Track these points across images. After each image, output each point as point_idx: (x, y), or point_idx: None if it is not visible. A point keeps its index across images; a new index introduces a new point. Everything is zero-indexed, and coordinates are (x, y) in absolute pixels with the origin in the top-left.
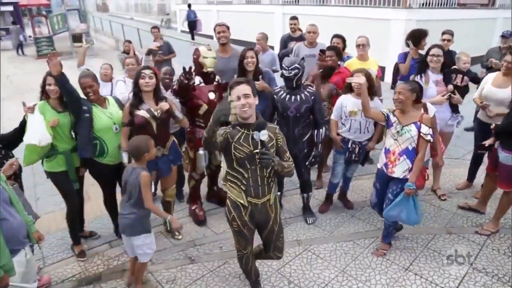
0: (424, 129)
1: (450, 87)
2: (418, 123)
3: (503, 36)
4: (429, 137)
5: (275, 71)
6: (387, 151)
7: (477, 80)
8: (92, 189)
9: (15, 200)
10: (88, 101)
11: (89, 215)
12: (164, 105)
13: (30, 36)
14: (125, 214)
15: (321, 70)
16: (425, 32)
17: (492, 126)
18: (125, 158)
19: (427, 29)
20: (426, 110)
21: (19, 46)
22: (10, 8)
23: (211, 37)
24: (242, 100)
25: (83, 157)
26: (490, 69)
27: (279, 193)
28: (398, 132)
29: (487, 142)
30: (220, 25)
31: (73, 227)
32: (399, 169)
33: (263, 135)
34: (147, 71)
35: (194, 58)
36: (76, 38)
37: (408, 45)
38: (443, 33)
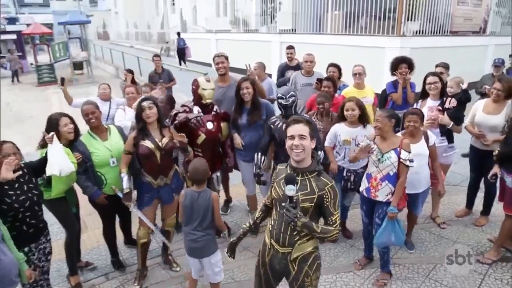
0: (404, 154)
1: (433, 113)
2: (398, 149)
3: (495, 66)
4: (408, 163)
5: (272, 100)
6: (369, 176)
7: (465, 99)
8: (89, 219)
9: (7, 236)
10: (82, 143)
11: (86, 245)
12: (181, 138)
13: (31, 64)
14: (199, 238)
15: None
16: (401, 59)
17: (495, 153)
18: (125, 183)
19: (421, 56)
20: (426, 138)
21: (14, 74)
22: (14, 36)
23: (209, 64)
24: (296, 140)
25: (97, 196)
26: (484, 95)
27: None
28: (379, 159)
29: (492, 172)
30: (219, 56)
31: (71, 255)
32: (382, 193)
33: (289, 190)
34: (146, 103)
35: (193, 88)
36: (77, 65)
37: (392, 73)
38: (437, 65)
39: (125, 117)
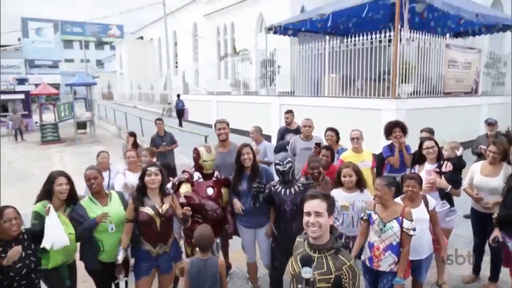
0: (407, 223)
1: (432, 176)
2: (400, 218)
3: (489, 124)
4: (412, 232)
5: (267, 163)
6: (371, 245)
7: (460, 165)
8: (83, 287)
9: None
10: (82, 206)
11: None
12: (186, 211)
13: (36, 122)
14: None
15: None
16: (394, 123)
17: (494, 216)
18: (120, 256)
19: (417, 117)
20: (426, 202)
21: (16, 132)
22: (22, 96)
23: (210, 125)
24: (312, 218)
25: (89, 268)
26: (480, 156)
27: None
28: (381, 229)
29: (493, 235)
30: (221, 122)
31: None
32: (385, 263)
33: (305, 272)
34: (153, 168)
35: (194, 156)
36: (81, 125)
37: (387, 138)
38: (422, 130)
39: (125, 181)
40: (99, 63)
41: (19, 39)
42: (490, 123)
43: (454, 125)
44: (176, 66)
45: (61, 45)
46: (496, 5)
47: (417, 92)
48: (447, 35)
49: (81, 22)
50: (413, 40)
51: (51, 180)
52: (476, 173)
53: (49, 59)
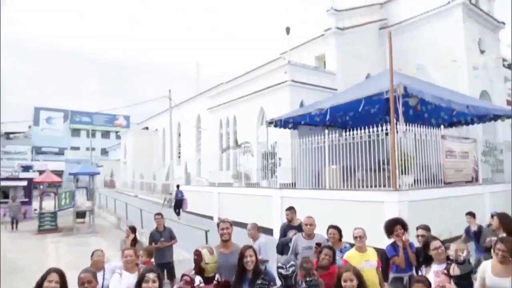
0: None
1: (440, 278)
2: None
3: (492, 216)
4: None
5: (262, 261)
6: None
7: (465, 269)
8: None
9: None
10: None
11: None
12: None
13: (35, 210)
14: None
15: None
16: (393, 221)
17: None
18: None
19: (420, 208)
20: None
21: (13, 221)
22: (24, 183)
23: (211, 217)
24: None
25: None
26: (490, 249)
27: None
28: None
29: None
30: (224, 221)
31: None
32: None
33: None
34: (151, 275)
35: (195, 258)
36: (80, 214)
37: (389, 237)
38: (418, 228)
39: (121, 282)
40: (104, 152)
41: (29, 127)
42: (493, 216)
43: (457, 215)
44: (179, 157)
45: (69, 134)
46: (484, 96)
47: (417, 181)
48: (442, 126)
49: (90, 112)
50: (409, 132)
51: (44, 275)
52: (487, 272)
53: (56, 147)
